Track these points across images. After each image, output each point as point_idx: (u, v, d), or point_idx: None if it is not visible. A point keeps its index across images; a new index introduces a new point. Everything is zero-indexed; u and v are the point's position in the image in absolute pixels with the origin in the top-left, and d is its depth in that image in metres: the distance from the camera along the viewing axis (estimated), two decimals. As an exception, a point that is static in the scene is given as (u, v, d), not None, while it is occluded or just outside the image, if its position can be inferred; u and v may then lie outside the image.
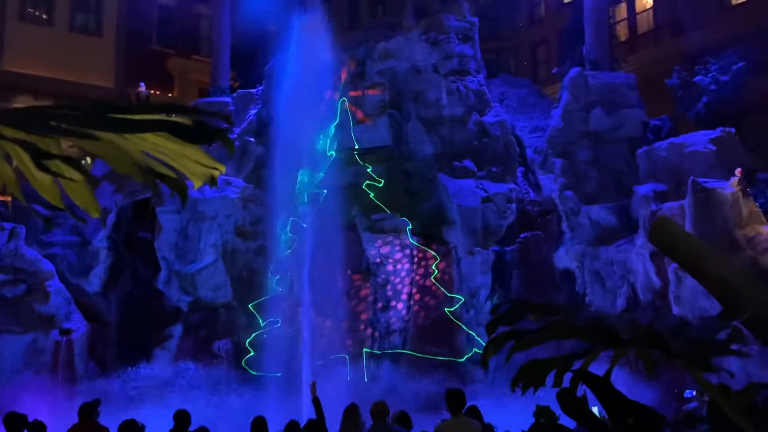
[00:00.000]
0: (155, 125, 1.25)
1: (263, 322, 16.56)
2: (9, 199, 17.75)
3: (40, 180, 1.51)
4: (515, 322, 1.80)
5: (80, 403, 7.79)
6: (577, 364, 1.97)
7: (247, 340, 16.55)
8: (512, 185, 17.38)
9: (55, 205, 1.63)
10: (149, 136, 1.34)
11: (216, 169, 1.52)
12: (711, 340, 1.56)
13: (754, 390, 1.68)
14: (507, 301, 1.90)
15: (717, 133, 15.58)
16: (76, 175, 1.25)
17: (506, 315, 1.83)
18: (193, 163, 1.49)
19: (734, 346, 1.58)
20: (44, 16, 24.52)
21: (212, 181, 1.53)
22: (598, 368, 1.95)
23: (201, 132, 1.31)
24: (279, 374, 16.22)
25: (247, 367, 16.24)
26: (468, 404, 6.98)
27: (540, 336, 1.63)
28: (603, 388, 2.03)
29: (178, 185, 1.27)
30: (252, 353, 16.37)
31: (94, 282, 17.03)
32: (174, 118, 1.32)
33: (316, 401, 7.88)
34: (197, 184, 1.59)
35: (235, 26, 23.30)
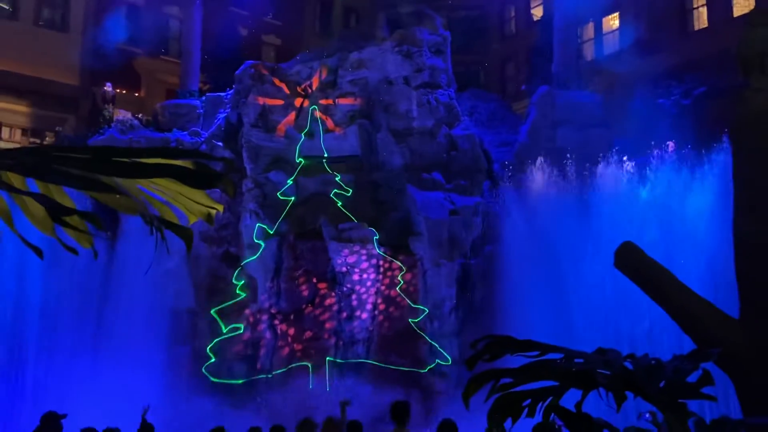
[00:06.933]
0: (161, 170, 1.27)
1: (225, 329, 16.38)
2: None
3: (34, 212, 1.51)
4: (495, 359, 1.86)
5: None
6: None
7: (208, 347, 16.33)
8: (479, 199, 17.57)
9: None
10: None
11: (213, 208, 1.54)
12: (683, 384, 1.64)
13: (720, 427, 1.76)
14: (486, 337, 1.96)
15: (677, 155, 16.00)
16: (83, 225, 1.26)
17: (485, 351, 1.89)
18: (191, 202, 1.50)
19: (704, 390, 1.67)
20: (9, 9, 23.89)
21: (209, 219, 1.55)
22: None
23: (204, 177, 1.33)
24: (239, 381, 16.08)
25: (207, 374, 16.03)
26: (441, 418, 7.07)
27: (519, 378, 1.69)
28: (575, 421, 2.11)
29: (185, 233, 1.29)
30: (213, 360, 16.17)
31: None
32: (177, 162, 1.34)
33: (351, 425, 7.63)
34: (192, 220, 1.60)
35: (206, 28, 23.09)
